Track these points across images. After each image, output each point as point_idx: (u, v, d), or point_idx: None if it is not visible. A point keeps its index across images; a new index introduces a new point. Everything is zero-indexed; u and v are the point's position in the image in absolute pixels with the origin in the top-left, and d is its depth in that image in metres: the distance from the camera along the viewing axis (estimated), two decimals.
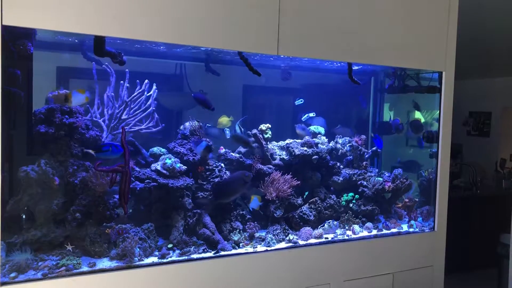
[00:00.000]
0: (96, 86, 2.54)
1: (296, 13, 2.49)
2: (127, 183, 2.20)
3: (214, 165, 2.74)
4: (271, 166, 2.94)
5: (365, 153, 3.38)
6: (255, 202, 2.77)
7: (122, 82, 2.57)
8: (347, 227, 2.97)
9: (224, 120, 3.00)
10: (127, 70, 2.54)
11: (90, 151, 2.32)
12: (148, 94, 2.61)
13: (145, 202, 2.55)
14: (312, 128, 3.34)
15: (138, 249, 2.28)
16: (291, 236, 2.71)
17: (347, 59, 2.79)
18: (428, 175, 3.31)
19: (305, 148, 3.07)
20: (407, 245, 3.02)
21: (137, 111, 2.62)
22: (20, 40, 2.15)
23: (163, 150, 2.70)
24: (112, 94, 2.57)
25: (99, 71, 2.54)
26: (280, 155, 3.08)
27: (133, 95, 2.58)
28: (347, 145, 3.36)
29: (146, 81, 2.61)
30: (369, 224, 3.03)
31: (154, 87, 2.63)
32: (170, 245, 2.42)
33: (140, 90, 2.60)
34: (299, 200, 2.96)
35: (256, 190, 2.85)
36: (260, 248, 2.58)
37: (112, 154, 2.29)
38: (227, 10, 2.31)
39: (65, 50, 2.67)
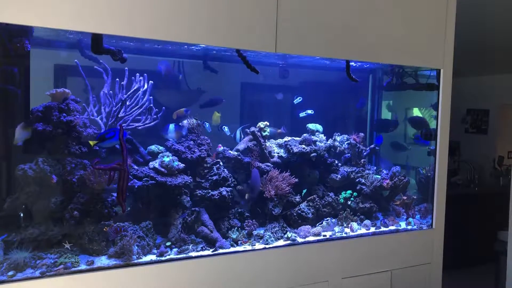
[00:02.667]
0: (87, 84, 2.53)
1: (294, 10, 2.49)
2: (125, 181, 2.19)
3: (212, 163, 2.74)
4: (269, 164, 2.95)
5: (363, 151, 3.39)
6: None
7: (117, 79, 2.56)
8: (345, 225, 2.97)
9: (215, 116, 3.00)
10: (126, 68, 2.53)
11: (94, 142, 2.31)
12: (143, 89, 2.60)
13: (143, 200, 2.55)
14: (310, 126, 3.34)
15: (136, 247, 2.28)
16: (289, 234, 2.71)
17: (345, 56, 2.79)
18: (426, 173, 3.31)
19: (303, 146, 3.07)
20: (405, 243, 3.03)
21: (134, 108, 2.61)
22: (17, 37, 2.14)
23: (161, 148, 2.70)
24: (110, 91, 2.57)
25: (97, 69, 2.54)
26: (278, 153, 3.08)
27: (129, 93, 2.58)
28: (345, 142, 3.37)
29: (141, 78, 2.60)
30: (367, 222, 3.03)
31: (146, 85, 2.62)
32: (168, 243, 2.42)
33: (135, 87, 2.59)
34: (297, 198, 2.96)
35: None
36: (258, 246, 2.58)
37: (117, 140, 2.28)
38: (225, 7, 2.30)
39: (63, 48, 2.66)
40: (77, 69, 2.51)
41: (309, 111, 3.36)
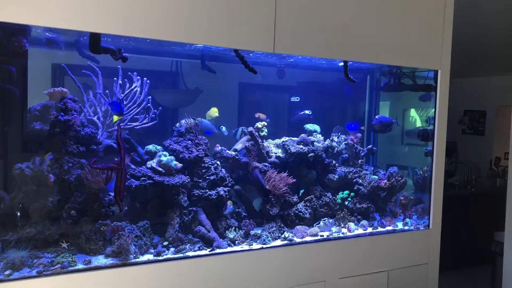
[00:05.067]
0: (79, 86, 2.53)
1: (292, 10, 2.49)
2: (123, 181, 2.19)
3: (210, 163, 2.74)
4: (267, 164, 2.95)
5: (361, 151, 3.39)
6: (229, 207, 2.71)
7: (115, 79, 2.56)
8: (342, 225, 2.98)
9: (212, 111, 2.97)
10: (119, 66, 2.53)
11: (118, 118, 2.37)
12: (135, 88, 2.60)
13: (140, 200, 2.55)
14: (308, 126, 3.35)
15: (134, 247, 2.28)
16: (286, 234, 2.72)
17: (342, 57, 2.79)
18: (423, 173, 3.32)
19: (301, 146, 3.07)
20: (402, 243, 3.03)
21: (131, 107, 2.61)
22: (15, 36, 2.14)
23: (158, 147, 2.70)
24: (107, 91, 2.57)
25: (97, 68, 2.54)
26: (276, 153, 3.09)
27: (126, 92, 2.58)
28: (343, 143, 3.37)
29: (138, 77, 2.60)
30: (364, 222, 3.04)
31: (137, 81, 2.63)
32: (165, 243, 2.42)
33: (132, 87, 2.59)
34: (295, 198, 2.97)
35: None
36: (255, 246, 2.58)
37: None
38: (223, 7, 2.30)
39: (61, 47, 2.66)
40: (76, 68, 2.51)
41: (307, 111, 3.37)
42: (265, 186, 2.78)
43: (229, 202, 2.69)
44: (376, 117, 3.54)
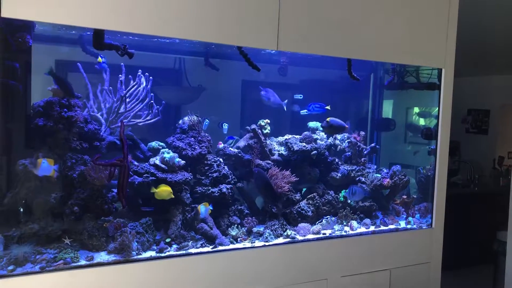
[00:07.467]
0: (88, 83, 2.53)
1: (296, 8, 2.48)
2: (126, 177, 2.19)
3: (213, 160, 2.74)
4: (269, 162, 2.95)
5: (364, 150, 3.38)
6: (205, 211, 2.55)
7: (120, 75, 2.56)
8: (345, 223, 2.97)
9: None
10: (122, 64, 2.54)
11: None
12: (139, 86, 2.60)
13: (143, 196, 2.55)
14: (311, 124, 3.34)
15: (136, 243, 2.28)
16: (289, 232, 2.71)
17: (346, 55, 2.78)
18: (426, 172, 3.31)
19: (304, 144, 3.07)
20: (405, 242, 3.03)
21: (134, 104, 2.61)
22: (19, 32, 2.14)
23: (161, 144, 2.70)
24: (110, 88, 2.57)
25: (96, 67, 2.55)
26: (279, 151, 3.08)
27: (128, 88, 2.58)
28: (346, 141, 3.36)
29: (140, 73, 2.60)
30: (367, 220, 3.03)
31: (142, 78, 2.62)
32: (168, 240, 2.42)
33: (134, 83, 2.59)
34: (297, 196, 2.96)
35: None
36: (258, 243, 2.58)
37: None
38: (226, 5, 2.29)
39: (65, 43, 2.66)
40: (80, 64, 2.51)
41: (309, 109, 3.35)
42: (276, 191, 2.77)
43: (201, 206, 2.54)
44: (328, 119, 3.37)
